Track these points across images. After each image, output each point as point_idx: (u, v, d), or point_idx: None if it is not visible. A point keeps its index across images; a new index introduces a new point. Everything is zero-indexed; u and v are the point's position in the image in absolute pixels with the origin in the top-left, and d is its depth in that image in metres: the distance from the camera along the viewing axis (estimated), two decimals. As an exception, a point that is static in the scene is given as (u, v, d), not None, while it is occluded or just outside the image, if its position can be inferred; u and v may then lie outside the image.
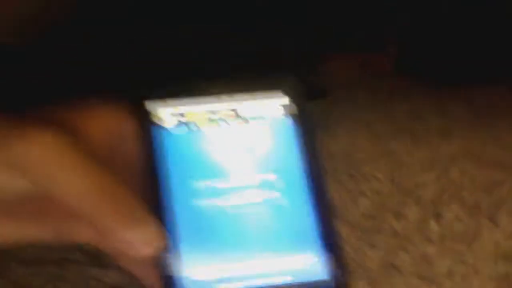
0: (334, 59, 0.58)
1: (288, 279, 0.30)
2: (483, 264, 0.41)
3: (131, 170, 0.31)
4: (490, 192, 0.47)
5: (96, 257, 0.40)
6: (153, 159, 0.31)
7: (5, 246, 0.31)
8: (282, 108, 0.33)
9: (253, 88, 0.33)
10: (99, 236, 0.29)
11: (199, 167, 0.31)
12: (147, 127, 0.31)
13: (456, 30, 0.58)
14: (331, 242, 0.30)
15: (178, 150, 0.31)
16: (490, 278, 0.41)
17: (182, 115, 0.32)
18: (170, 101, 0.32)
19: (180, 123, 0.32)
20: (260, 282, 0.29)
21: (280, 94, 0.33)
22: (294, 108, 0.33)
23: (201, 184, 0.31)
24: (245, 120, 0.32)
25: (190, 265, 0.29)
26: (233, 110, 0.32)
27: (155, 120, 0.32)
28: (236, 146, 0.32)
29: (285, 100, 0.33)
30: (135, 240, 0.28)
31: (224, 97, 0.32)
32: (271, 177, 0.31)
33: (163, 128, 0.32)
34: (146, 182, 0.30)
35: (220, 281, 0.29)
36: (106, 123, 0.30)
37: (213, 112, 0.32)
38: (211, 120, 0.32)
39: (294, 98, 0.33)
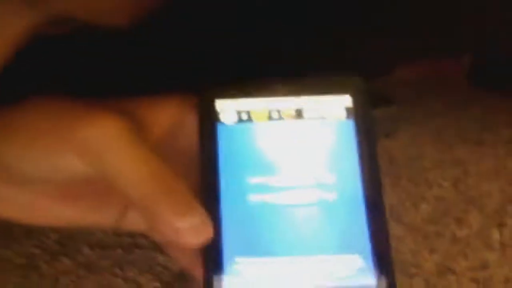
0: (405, 65, 0.58)
1: (335, 283, 0.29)
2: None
3: (188, 162, 0.31)
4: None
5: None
6: (211, 154, 0.31)
7: (71, 229, 0.31)
8: (345, 110, 0.32)
9: (320, 90, 0.33)
10: (151, 224, 0.30)
11: (257, 164, 0.31)
12: (209, 122, 0.32)
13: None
14: (382, 249, 0.30)
15: (237, 146, 0.32)
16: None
17: (244, 112, 0.32)
18: (234, 98, 0.33)
19: (242, 120, 0.32)
20: (306, 283, 0.29)
21: (345, 96, 0.33)
22: (358, 112, 0.32)
23: (258, 181, 0.31)
24: (307, 120, 0.32)
25: (235, 261, 0.29)
26: (296, 109, 0.32)
27: (218, 115, 0.32)
28: (295, 145, 0.32)
29: (349, 102, 0.33)
30: (184, 228, 0.28)
31: (288, 97, 0.33)
32: (328, 178, 0.31)
33: (224, 124, 0.32)
34: (201, 175, 0.31)
35: (265, 279, 0.29)
36: (169, 115, 0.31)
37: (275, 111, 0.32)
38: (272, 118, 0.32)
39: (359, 102, 0.33)
